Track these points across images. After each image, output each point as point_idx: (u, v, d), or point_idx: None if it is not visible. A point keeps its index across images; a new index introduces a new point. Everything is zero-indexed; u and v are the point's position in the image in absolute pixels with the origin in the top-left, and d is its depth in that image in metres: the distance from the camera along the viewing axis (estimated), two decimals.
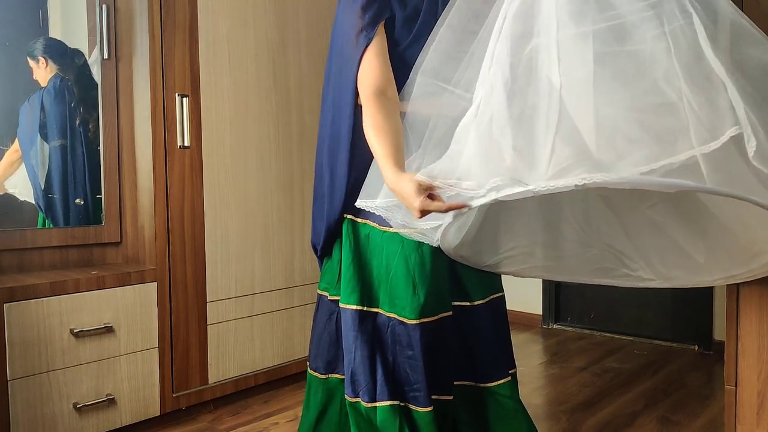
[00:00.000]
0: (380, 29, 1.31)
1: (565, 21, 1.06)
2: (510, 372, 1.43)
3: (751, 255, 1.21)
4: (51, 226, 2.16)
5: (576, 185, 0.94)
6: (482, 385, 1.41)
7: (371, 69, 1.29)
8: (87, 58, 2.24)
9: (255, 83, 2.44)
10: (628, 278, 1.39)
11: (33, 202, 2.15)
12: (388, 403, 1.31)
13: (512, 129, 1.07)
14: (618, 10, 1.05)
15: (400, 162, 1.21)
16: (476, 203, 1.08)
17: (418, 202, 1.11)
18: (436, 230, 1.26)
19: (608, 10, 1.05)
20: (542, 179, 1.00)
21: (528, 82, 1.08)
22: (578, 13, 1.05)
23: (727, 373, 1.34)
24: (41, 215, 2.16)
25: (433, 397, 1.32)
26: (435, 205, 1.11)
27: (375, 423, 1.32)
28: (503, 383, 1.40)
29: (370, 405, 1.33)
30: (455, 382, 1.41)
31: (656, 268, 1.36)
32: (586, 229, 1.43)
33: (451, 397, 1.37)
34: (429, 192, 1.13)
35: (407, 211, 1.23)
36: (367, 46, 1.29)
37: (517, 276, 1.54)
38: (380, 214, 1.30)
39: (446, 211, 1.12)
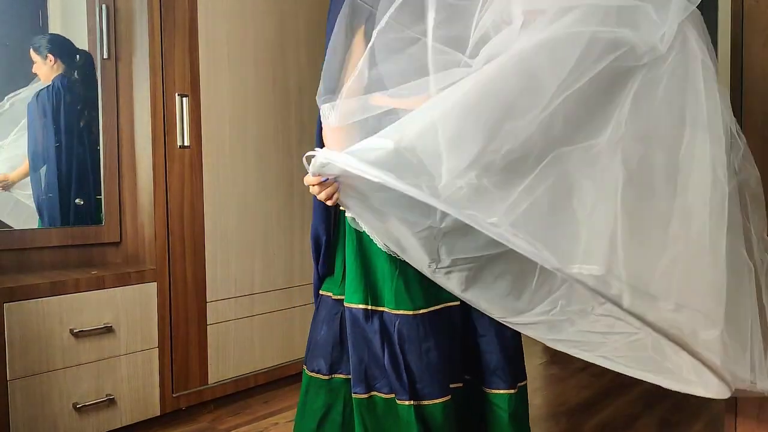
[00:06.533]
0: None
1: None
2: (517, 384, 1.41)
3: None
4: (51, 225, 2.16)
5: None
6: (483, 388, 1.41)
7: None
8: (93, 58, 2.23)
9: (255, 83, 2.44)
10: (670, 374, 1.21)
11: (34, 201, 2.15)
12: (406, 402, 1.31)
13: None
14: None
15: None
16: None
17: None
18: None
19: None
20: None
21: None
22: None
23: None
24: (41, 215, 2.16)
25: (452, 386, 1.33)
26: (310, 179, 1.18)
27: (395, 414, 1.32)
28: (500, 394, 1.39)
29: (389, 396, 1.33)
30: (465, 376, 1.41)
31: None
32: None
33: (461, 385, 1.37)
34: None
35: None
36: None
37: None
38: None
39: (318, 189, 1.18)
